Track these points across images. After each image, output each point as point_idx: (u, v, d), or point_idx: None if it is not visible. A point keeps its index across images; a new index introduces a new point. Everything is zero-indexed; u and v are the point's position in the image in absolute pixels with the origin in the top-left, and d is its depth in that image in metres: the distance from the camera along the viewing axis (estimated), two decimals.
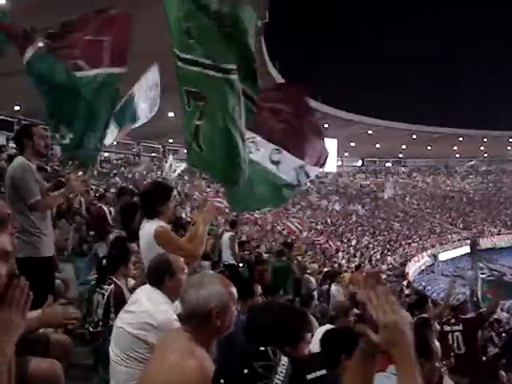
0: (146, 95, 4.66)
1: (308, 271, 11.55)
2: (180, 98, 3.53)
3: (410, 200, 50.41)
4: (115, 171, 28.50)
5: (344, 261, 26.77)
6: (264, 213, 27.38)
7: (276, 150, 4.58)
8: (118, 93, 4.26)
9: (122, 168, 30.95)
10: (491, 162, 56.95)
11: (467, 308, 6.05)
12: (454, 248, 39.63)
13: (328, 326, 3.82)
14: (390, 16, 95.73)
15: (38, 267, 3.55)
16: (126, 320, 2.81)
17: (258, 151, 4.44)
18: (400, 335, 1.32)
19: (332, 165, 47.87)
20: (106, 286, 4.10)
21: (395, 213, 46.38)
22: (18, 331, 1.58)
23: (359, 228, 39.96)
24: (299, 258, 14.67)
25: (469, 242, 37.29)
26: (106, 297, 4.02)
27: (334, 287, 9.37)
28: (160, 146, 39.36)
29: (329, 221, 39.51)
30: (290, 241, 15.59)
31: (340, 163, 52.46)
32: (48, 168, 12.59)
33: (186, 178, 29.10)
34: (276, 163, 4.61)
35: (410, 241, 39.59)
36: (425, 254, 37.77)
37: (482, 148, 52.58)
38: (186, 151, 3.92)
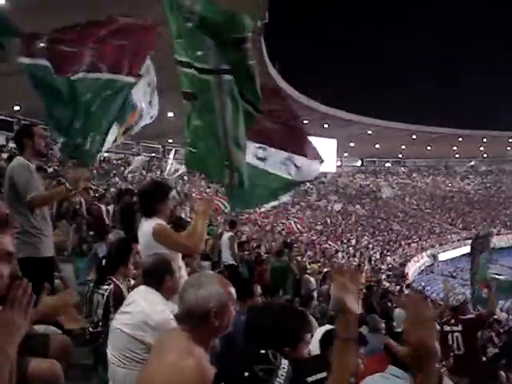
0: (144, 92, 4.65)
1: (308, 271, 11.54)
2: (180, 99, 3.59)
3: (409, 200, 50.43)
4: (115, 171, 28.51)
5: (344, 261, 26.76)
6: (265, 214, 27.44)
7: (259, 147, 4.63)
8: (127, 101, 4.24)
9: (122, 168, 30.94)
10: (491, 162, 56.98)
11: (467, 308, 6.05)
12: (454, 248, 39.63)
13: (328, 327, 3.82)
14: (390, 16, 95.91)
15: (38, 267, 3.55)
16: (123, 321, 2.81)
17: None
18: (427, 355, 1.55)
19: (331, 165, 47.88)
20: (105, 286, 4.10)
21: (395, 213, 46.41)
22: (20, 332, 1.58)
23: (359, 228, 40.00)
24: (299, 258, 14.67)
25: (469, 242, 37.21)
26: (105, 297, 4.02)
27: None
28: (160, 146, 39.37)
29: (328, 221, 39.54)
30: (289, 241, 15.60)
31: (339, 163, 52.48)
32: (47, 168, 12.60)
33: (186, 177, 29.14)
34: (262, 159, 4.66)
35: (409, 241, 39.61)
36: (424, 254, 37.79)
37: (481, 148, 52.62)
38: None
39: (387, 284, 22.81)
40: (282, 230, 26.47)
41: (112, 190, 16.69)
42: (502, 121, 56.94)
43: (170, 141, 36.79)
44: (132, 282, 4.44)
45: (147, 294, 2.94)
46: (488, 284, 6.58)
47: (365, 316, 6.75)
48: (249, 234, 22.02)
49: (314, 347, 2.86)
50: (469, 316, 5.88)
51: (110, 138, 3.97)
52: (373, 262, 31.49)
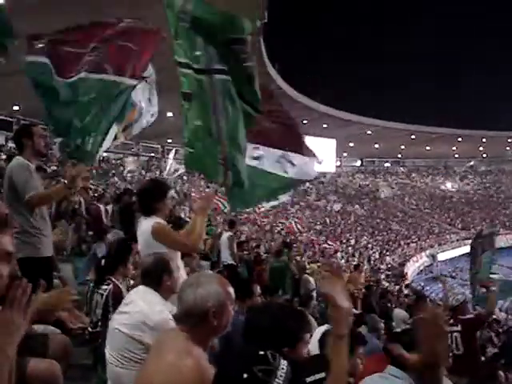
0: (142, 89, 4.65)
1: (307, 271, 11.54)
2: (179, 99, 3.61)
3: (408, 200, 50.47)
4: (114, 171, 28.51)
5: (343, 261, 26.77)
6: (264, 213, 27.44)
7: (255, 147, 4.65)
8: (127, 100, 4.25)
9: (121, 168, 30.96)
10: (490, 162, 57.01)
11: (466, 308, 6.05)
12: (453, 248, 39.65)
13: (327, 327, 3.82)
14: (390, 16, 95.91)
15: (37, 267, 3.55)
16: (121, 321, 2.82)
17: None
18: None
19: (331, 165, 47.88)
20: (104, 287, 4.10)
21: (394, 213, 46.44)
22: (19, 332, 1.58)
23: (358, 228, 40.01)
24: (298, 257, 14.67)
25: (468, 242, 37.22)
26: (104, 297, 4.03)
27: None
28: (159, 146, 39.36)
29: (328, 221, 39.55)
30: (289, 241, 15.60)
31: (339, 163, 52.49)
32: (47, 168, 12.59)
33: (185, 177, 29.14)
34: (257, 159, 4.69)
35: (408, 241, 39.63)
36: (423, 254, 37.80)
37: (480, 148, 52.65)
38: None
39: (386, 284, 22.81)
40: (282, 229, 26.46)
41: (111, 189, 16.68)
42: (502, 121, 57.05)
43: (170, 141, 36.77)
44: (131, 282, 4.44)
45: (146, 294, 2.94)
46: (486, 284, 6.56)
47: (364, 316, 6.76)
48: (248, 233, 22.03)
49: (313, 347, 2.86)
50: (468, 316, 5.88)
51: (110, 137, 3.97)
52: (372, 262, 31.50)
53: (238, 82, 3.53)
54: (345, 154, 52.69)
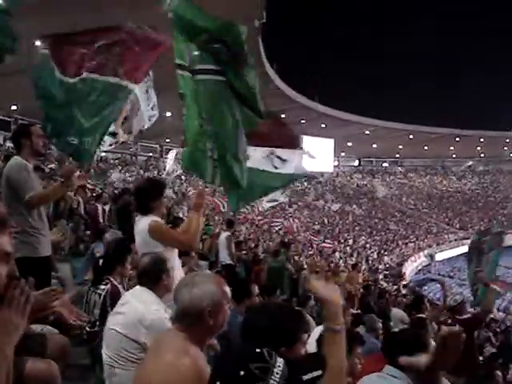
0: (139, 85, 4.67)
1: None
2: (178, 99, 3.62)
3: (406, 200, 50.52)
4: (112, 171, 28.46)
5: (341, 261, 26.78)
6: (262, 214, 27.44)
7: None
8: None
9: (119, 167, 30.93)
10: (488, 162, 57.12)
11: (464, 309, 6.06)
12: (451, 248, 39.73)
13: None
14: (390, 16, 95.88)
15: (35, 267, 3.55)
16: (117, 321, 2.82)
17: None
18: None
19: (329, 165, 47.93)
20: (102, 286, 4.10)
21: (392, 213, 46.48)
22: (18, 332, 1.58)
23: (356, 228, 40.03)
24: (296, 257, 14.69)
25: (466, 242, 37.31)
26: (102, 297, 4.02)
27: None
28: (157, 146, 39.35)
29: (326, 221, 39.57)
30: (287, 240, 15.61)
31: (337, 163, 52.54)
32: (45, 168, 12.58)
33: (183, 177, 29.13)
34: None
35: (406, 241, 39.67)
36: (421, 253, 37.86)
37: (478, 148, 52.75)
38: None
39: (384, 284, 22.84)
40: (280, 229, 26.44)
41: (109, 189, 16.65)
42: (502, 121, 57.12)
43: (168, 140, 36.79)
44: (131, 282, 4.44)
45: (142, 294, 2.95)
46: (487, 283, 6.56)
47: (362, 316, 6.77)
48: (246, 233, 22.03)
49: (311, 347, 2.86)
50: (465, 316, 5.88)
51: (107, 138, 3.99)
52: (370, 262, 31.51)
53: (236, 83, 3.53)
54: (343, 154, 52.75)
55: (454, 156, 56.61)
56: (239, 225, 21.84)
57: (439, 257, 37.96)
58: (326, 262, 21.64)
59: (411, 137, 47.50)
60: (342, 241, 35.03)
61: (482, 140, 49.46)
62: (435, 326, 6.11)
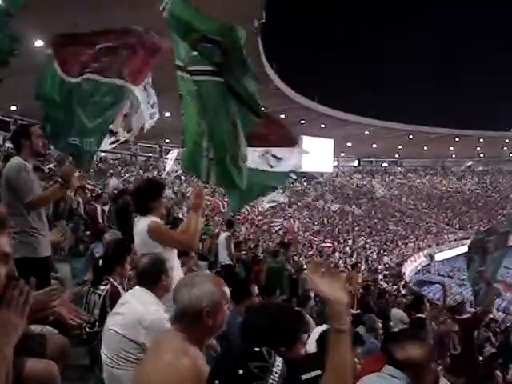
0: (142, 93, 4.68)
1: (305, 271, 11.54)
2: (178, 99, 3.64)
3: (406, 200, 50.52)
4: (111, 171, 28.46)
5: (341, 261, 26.80)
6: (262, 214, 27.43)
7: None
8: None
9: (119, 168, 30.93)
10: (488, 162, 57.14)
11: (464, 309, 6.06)
12: (451, 248, 39.73)
13: (325, 326, 3.82)
14: (390, 16, 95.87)
15: (35, 267, 3.55)
16: (116, 321, 2.83)
17: None
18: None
19: (328, 165, 47.93)
20: (102, 287, 4.10)
21: (392, 213, 46.48)
22: (17, 332, 1.58)
23: (356, 228, 40.01)
24: (296, 257, 14.69)
25: (466, 242, 37.30)
26: (102, 297, 4.02)
27: None
28: (157, 146, 39.33)
29: (325, 221, 39.56)
30: (286, 240, 15.62)
31: (336, 163, 52.53)
32: (44, 168, 12.58)
33: (183, 177, 29.13)
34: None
35: (406, 241, 39.65)
36: (421, 254, 37.86)
37: (478, 148, 52.77)
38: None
39: (384, 284, 22.84)
40: (280, 229, 26.44)
41: (110, 189, 16.64)
42: (501, 121, 57.10)
43: (167, 141, 36.79)
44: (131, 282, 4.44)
45: (141, 295, 2.95)
46: (490, 283, 6.55)
47: (362, 316, 6.77)
48: (246, 233, 22.02)
49: (311, 347, 2.86)
50: (465, 316, 5.89)
51: (106, 139, 4.01)
52: (370, 262, 31.49)
53: (233, 83, 3.54)
54: (342, 154, 52.74)
55: (453, 156, 56.62)
56: (239, 225, 21.84)
57: (439, 257, 37.94)
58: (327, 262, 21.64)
59: (411, 137, 47.50)
60: (342, 241, 35.02)
61: (481, 140, 49.48)
62: (435, 326, 6.12)
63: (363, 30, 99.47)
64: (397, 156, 56.31)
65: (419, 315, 6.40)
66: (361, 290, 11.55)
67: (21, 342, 1.62)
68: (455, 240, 41.34)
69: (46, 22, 14.54)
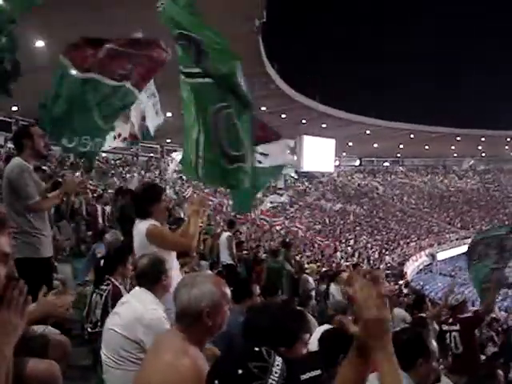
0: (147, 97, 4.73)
1: (306, 271, 11.55)
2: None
3: (407, 199, 50.48)
4: (113, 171, 28.49)
5: (342, 260, 26.78)
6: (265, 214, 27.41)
7: None
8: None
9: (120, 168, 30.96)
10: (489, 161, 57.05)
11: (465, 308, 6.05)
12: (452, 247, 39.68)
13: (326, 326, 3.82)
14: (390, 16, 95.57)
15: (37, 268, 3.56)
16: (116, 321, 2.84)
17: None
18: (382, 331, 1.35)
19: (330, 164, 47.88)
20: (103, 287, 4.10)
21: (393, 212, 46.45)
22: (17, 332, 1.58)
23: (357, 228, 39.99)
24: (297, 257, 14.69)
25: (467, 241, 37.22)
26: (103, 297, 4.03)
27: (333, 287, 9.34)
28: (158, 146, 39.31)
29: (327, 220, 39.55)
30: (288, 240, 15.60)
31: (338, 163, 52.47)
32: (46, 168, 12.58)
33: (185, 178, 29.12)
34: None
35: (408, 240, 39.61)
36: (423, 253, 37.82)
37: (479, 147, 52.68)
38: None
39: (386, 283, 22.81)
40: (281, 229, 26.44)
41: (110, 190, 16.66)
42: (502, 120, 56.91)
43: (169, 141, 36.77)
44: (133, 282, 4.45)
45: (140, 295, 2.96)
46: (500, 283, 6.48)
47: None
48: (247, 233, 21.99)
49: (313, 347, 2.86)
50: (466, 315, 5.88)
51: (109, 138, 4.04)
52: (371, 262, 31.50)
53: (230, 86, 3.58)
54: (344, 154, 52.70)
55: (455, 155, 56.54)
56: (240, 225, 21.84)
57: (441, 256, 37.89)
58: (328, 262, 21.65)
59: (412, 136, 47.41)
60: (344, 241, 35.01)
61: (483, 139, 49.39)
62: (436, 326, 6.11)
63: (363, 29, 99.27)
64: (398, 155, 56.24)
65: (421, 314, 6.40)
66: None
67: (23, 343, 1.63)
68: (457, 239, 41.26)
69: (47, 22, 14.55)
